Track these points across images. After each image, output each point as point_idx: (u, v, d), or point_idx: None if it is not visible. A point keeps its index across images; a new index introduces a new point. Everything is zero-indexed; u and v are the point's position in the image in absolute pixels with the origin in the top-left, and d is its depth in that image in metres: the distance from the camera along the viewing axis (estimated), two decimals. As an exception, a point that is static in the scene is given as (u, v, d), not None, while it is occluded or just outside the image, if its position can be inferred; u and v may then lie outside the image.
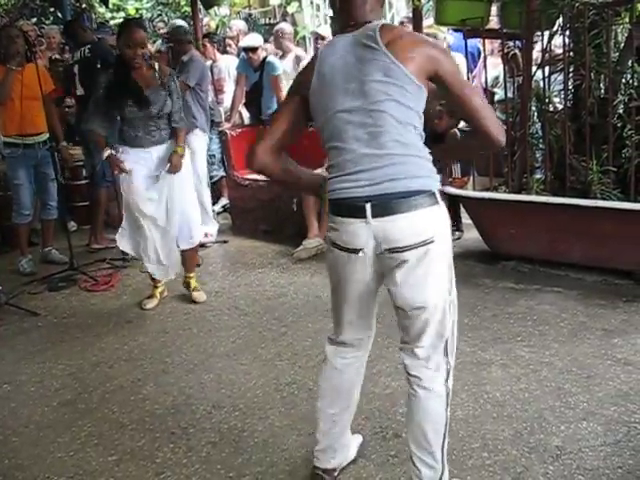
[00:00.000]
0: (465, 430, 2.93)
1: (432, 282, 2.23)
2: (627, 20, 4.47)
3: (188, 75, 5.83)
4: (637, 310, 4.05)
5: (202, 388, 3.48)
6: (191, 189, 4.66)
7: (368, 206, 2.12)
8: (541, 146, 4.88)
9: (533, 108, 4.88)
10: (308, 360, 3.70)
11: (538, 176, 4.87)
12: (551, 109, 4.87)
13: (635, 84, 4.37)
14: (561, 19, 4.57)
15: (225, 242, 6.16)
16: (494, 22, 5.37)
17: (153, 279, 4.70)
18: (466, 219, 5.54)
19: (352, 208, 2.16)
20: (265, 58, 6.57)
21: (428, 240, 2.13)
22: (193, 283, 4.78)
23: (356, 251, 2.20)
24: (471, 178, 5.18)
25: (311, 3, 11.23)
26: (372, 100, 2.13)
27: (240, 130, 6.65)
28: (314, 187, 2.48)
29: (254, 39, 6.70)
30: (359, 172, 2.15)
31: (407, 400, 2.40)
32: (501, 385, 3.29)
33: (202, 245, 5.81)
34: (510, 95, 4.96)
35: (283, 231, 6.00)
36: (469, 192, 5.11)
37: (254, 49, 6.51)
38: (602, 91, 4.57)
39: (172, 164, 4.37)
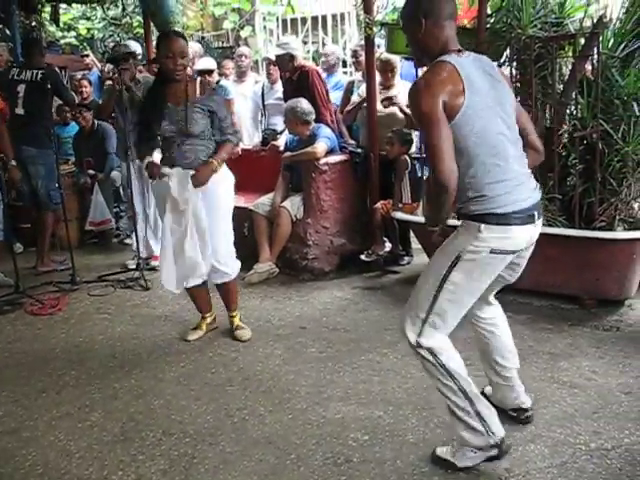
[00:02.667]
0: (416, 454, 2.95)
1: None
2: (570, 53, 4.62)
3: None
4: (582, 334, 4.16)
5: (152, 414, 3.44)
6: (226, 222, 4.23)
7: (536, 213, 2.65)
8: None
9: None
10: (259, 385, 3.69)
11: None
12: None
13: (579, 115, 4.52)
14: (508, 51, 4.70)
15: (175, 265, 6.09)
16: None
17: (200, 310, 4.51)
18: (416, 244, 5.63)
19: (526, 216, 2.61)
20: (217, 82, 6.60)
21: None
22: (236, 321, 4.46)
23: (516, 251, 2.70)
24: (421, 203, 5.26)
25: (264, 28, 11.32)
26: (513, 122, 2.67)
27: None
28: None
29: (209, 62, 6.73)
30: (521, 185, 2.65)
31: (482, 342, 3.11)
32: (451, 409, 3.32)
33: (152, 268, 5.77)
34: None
35: (234, 255, 5.97)
36: (419, 217, 5.18)
37: (209, 72, 6.53)
38: (547, 121, 4.70)
39: (197, 174, 3.95)
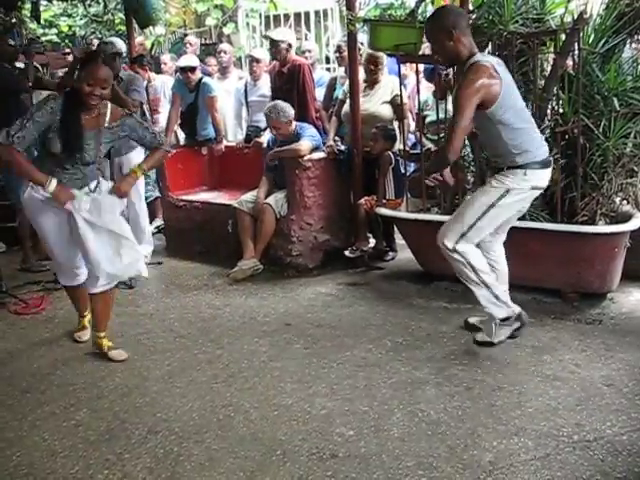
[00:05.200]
0: (400, 449, 2.97)
1: None
2: (552, 49, 4.64)
3: (136, 92, 5.75)
4: (565, 327, 4.20)
5: (137, 412, 3.43)
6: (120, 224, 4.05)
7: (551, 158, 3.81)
8: (472, 168, 5.02)
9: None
10: (244, 382, 3.69)
11: (469, 197, 4.99)
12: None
13: (560, 110, 4.55)
14: (490, 47, 4.72)
15: (159, 263, 6.08)
16: (426, 47, 5.50)
17: (79, 309, 4.45)
18: (399, 239, 5.65)
19: (548, 161, 3.75)
20: (201, 79, 6.58)
21: None
22: (106, 342, 4.15)
23: (543, 188, 3.87)
24: (404, 199, 5.28)
25: (247, 25, 11.28)
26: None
27: (175, 151, 6.61)
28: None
29: (191, 59, 6.70)
30: (541, 138, 3.84)
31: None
32: (435, 403, 3.35)
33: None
34: (442, 116, 5.08)
35: (218, 252, 5.98)
36: (402, 213, 5.20)
37: (192, 69, 6.51)
38: (529, 116, 4.72)
39: (121, 185, 4.01)
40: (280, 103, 5.58)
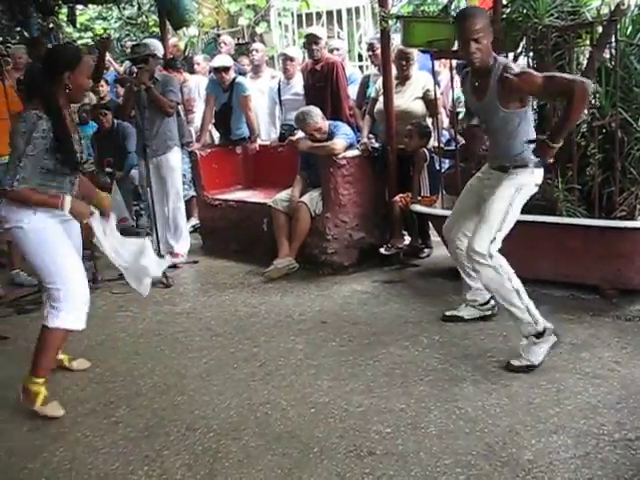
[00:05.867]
0: (438, 446, 2.96)
1: None
2: (588, 42, 4.58)
3: (172, 93, 5.85)
4: (603, 324, 4.14)
5: (175, 410, 3.47)
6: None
7: None
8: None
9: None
10: (281, 380, 3.71)
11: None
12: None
13: (597, 104, 4.49)
14: (524, 41, 4.67)
15: (195, 262, 6.14)
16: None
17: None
18: (435, 236, 5.62)
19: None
20: (234, 79, 6.62)
21: None
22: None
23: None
24: (439, 196, 5.25)
25: (279, 24, 11.31)
26: None
27: (210, 150, 6.68)
28: None
29: (225, 59, 6.75)
30: None
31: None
32: (473, 401, 3.33)
33: (173, 265, 5.82)
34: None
35: (253, 251, 6.01)
36: (438, 210, 5.17)
37: (226, 69, 6.55)
38: (565, 110, 4.66)
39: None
40: (304, 109, 5.63)
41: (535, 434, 2.99)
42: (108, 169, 6.99)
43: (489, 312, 4.32)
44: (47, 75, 3.47)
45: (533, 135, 3.70)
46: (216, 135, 7.23)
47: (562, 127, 3.51)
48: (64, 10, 8.95)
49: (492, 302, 4.25)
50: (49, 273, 3.47)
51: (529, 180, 3.74)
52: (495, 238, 3.66)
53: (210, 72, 7.18)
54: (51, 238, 3.46)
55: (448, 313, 4.38)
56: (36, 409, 3.47)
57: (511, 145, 3.71)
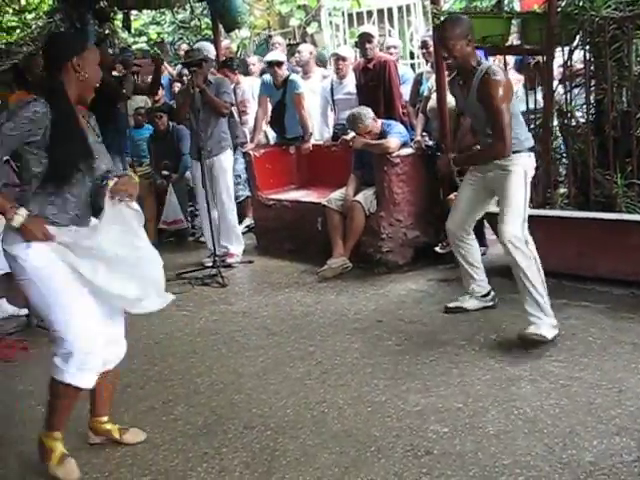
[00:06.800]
0: (496, 446, 2.93)
1: None
2: (648, 34, 4.47)
3: (226, 95, 5.94)
4: (666, 323, 4.03)
5: (233, 408, 3.52)
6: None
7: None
8: (564, 160, 4.88)
9: (555, 122, 4.89)
10: (337, 378, 3.72)
11: (562, 190, 4.87)
12: (573, 123, 4.88)
13: (657, 97, 4.38)
14: (581, 34, 4.58)
15: (250, 262, 6.20)
16: (514, 38, 5.40)
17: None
18: (490, 235, 5.55)
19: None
20: (288, 76, 6.65)
21: None
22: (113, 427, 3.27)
23: None
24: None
25: (330, 23, 11.33)
26: None
27: (264, 151, 6.74)
28: None
29: (278, 54, 6.82)
30: None
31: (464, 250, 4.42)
32: (531, 401, 3.28)
33: (228, 265, 5.89)
34: (532, 106, 4.97)
35: (308, 250, 6.04)
36: (492, 208, 5.10)
37: (279, 63, 6.60)
38: (625, 104, 4.56)
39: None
40: (355, 111, 5.64)
41: (596, 435, 2.93)
42: (165, 172, 7.12)
43: (491, 303, 4.46)
44: (53, 65, 2.90)
45: (524, 130, 4.05)
46: (271, 135, 7.29)
47: (470, 158, 4.24)
48: (119, 16, 9.12)
49: (493, 293, 4.46)
50: (56, 320, 2.88)
51: (529, 163, 3.97)
52: (524, 223, 3.85)
53: (262, 73, 7.23)
54: (53, 279, 2.84)
55: (451, 305, 4.48)
56: (49, 468, 2.99)
57: (513, 135, 3.88)
